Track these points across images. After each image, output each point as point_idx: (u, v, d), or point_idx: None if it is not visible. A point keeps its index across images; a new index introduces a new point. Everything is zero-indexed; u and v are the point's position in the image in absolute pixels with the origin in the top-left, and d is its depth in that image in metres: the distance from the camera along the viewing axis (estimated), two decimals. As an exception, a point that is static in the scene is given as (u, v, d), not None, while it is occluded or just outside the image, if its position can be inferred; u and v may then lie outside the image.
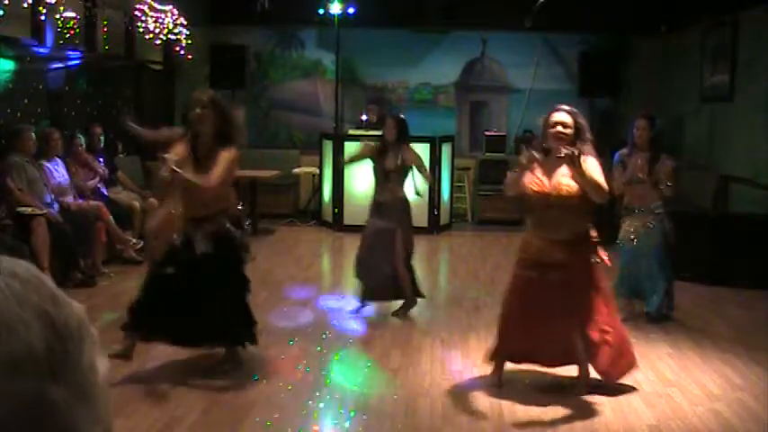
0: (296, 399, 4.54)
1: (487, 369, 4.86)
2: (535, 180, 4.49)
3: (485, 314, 6.23)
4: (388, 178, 6.20)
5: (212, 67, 10.86)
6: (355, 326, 6.12)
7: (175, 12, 9.88)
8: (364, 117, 10.82)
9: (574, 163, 4.33)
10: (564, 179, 4.44)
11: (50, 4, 7.10)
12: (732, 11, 9.03)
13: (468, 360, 5.25)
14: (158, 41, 10.07)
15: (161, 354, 5.07)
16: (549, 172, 4.49)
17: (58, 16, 7.61)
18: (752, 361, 5.35)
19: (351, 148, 8.56)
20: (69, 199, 7.37)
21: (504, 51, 11.63)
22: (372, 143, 6.44)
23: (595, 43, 11.28)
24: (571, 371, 4.78)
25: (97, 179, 8.12)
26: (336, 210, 10.26)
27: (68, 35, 7.93)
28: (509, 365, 4.85)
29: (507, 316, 4.72)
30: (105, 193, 8.16)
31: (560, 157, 4.38)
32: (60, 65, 8.36)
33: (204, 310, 4.70)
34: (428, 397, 4.64)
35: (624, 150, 6.28)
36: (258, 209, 10.16)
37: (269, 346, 5.40)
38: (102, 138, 8.36)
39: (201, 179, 4.61)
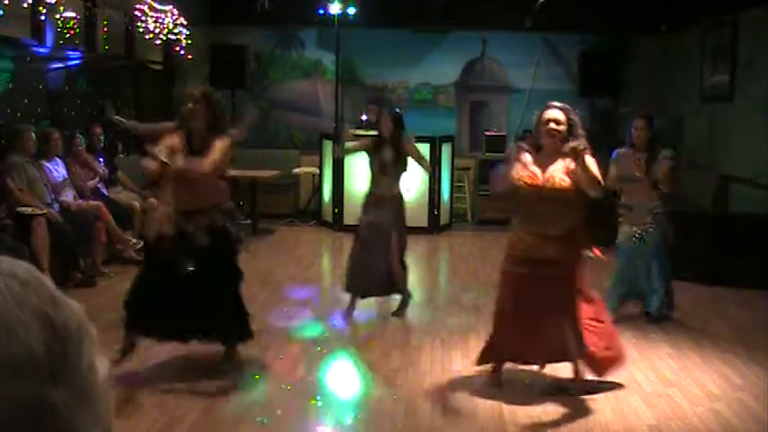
0: (296, 399, 4.54)
1: (487, 369, 4.86)
2: (528, 173, 4.49)
3: (485, 314, 6.20)
4: (385, 172, 6.20)
5: (212, 67, 10.85)
6: (355, 326, 6.12)
7: (175, 12, 9.88)
8: (364, 117, 10.80)
9: (579, 157, 4.33)
10: (557, 173, 4.44)
11: (50, 4, 7.10)
12: (732, 11, 9.02)
13: (468, 360, 5.24)
14: (158, 41, 10.07)
15: (161, 353, 5.08)
16: (543, 167, 4.50)
17: (57, 16, 7.62)
18: (752, 361, 5.35)
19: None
20: (68, 196, 7.37)
21: (504, 51, 11.62)
22: (370, 137, 6.47)
23: (595, 43, 11.27)
24: (571, 371, 4.78)
25: (97, 179, 8.12)
26: (336, 210, 10.26)
27: (68, 35, 7.93)
28: (509, 365, 4.85)
29: (501, 313, 4.72)
30: (105, 193, 8.16)
31: (565, 151, 4.39)
32: (60, 65, 8.35)
33: (198, 303, 4.69)
34: (428, 397, 4.64)
35: (622, 149, 6.28)
36: (258, 209, 10.16)
37: (269, 346, 5.41)
38: (102, 138, 8.36)
39: (195, 164, 4.63)
